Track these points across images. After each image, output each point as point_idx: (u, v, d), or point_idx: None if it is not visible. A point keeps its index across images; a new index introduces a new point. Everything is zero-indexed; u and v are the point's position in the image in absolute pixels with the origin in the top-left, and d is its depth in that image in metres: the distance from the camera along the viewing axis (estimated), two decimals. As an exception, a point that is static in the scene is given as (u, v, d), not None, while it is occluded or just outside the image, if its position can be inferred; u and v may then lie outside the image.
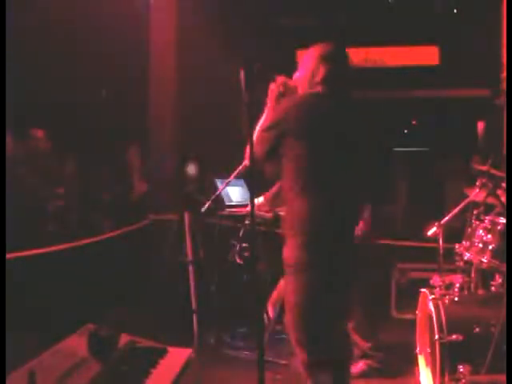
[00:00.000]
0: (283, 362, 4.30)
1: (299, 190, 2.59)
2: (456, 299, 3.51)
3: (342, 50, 2.84)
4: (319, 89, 2.71)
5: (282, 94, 2.82)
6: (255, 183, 2.59)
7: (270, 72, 2.82)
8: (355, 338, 4.15)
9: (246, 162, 2.65)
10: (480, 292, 3.64)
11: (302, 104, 2.67)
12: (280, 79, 2.83)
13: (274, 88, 2.82)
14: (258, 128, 2.71)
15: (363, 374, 4.13)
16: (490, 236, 3.49)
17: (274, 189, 4.28)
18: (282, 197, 2.82)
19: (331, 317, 2.65)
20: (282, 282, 5.04)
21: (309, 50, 2.82)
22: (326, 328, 2.64)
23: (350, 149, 2.69)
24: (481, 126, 8.22)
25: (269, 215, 4.40)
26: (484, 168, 3.73)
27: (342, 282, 2.65)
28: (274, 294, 5.16)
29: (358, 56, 8.70)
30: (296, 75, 2.83)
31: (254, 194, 2.51)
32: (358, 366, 4.14)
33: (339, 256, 2.61)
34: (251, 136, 2.45)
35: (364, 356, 4.17)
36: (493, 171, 3.70)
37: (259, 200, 4.43)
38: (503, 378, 2.74)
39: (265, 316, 4.84)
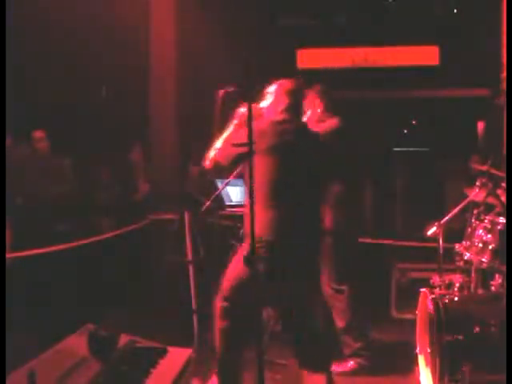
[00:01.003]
0: (283, 362, 4.30)
1: (261, 200, 3.08)
2: (456, 299, 3.51)
3: (301, 86, 3.44)
4: (282, 116, 3.30)
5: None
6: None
7: (241, 95, 3.22)
8: (345, 338, 4.16)
9: (206, 163, 3.33)
10: (480, 292, 3.64)
11: (269, 128, 3.25)
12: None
13: (243, 111, 3.30)
14: (222, 139, 3.33)
15: (354, 373, 4.13)
16: (490, 236, 3.49)
17: None
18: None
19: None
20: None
21: (275, 86, 3.39)
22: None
23: (307, 165, 3.24)
24: (481, 126, 8.23)
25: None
26: (484, 168, 3.73)
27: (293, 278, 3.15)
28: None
29: (358, 56, 8.70)
30: (264, 104, 3.39)
31: (253, 194, 2.53)
32: (348, 365, 4.15)
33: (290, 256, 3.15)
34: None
35: (354, 355, 4.16)
36: (493, 171, 3.70)
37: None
38: (503, 377, 2.74)
39: (264, 315, 4.85)
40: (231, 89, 3.40)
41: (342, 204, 4.18)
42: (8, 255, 4.22)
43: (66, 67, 6.81)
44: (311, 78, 4.45)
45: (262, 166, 3.10)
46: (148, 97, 7.05)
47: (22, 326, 3.85)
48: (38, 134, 5.89)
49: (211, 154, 3.32)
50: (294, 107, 3.34)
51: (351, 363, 4.16)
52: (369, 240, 5.60)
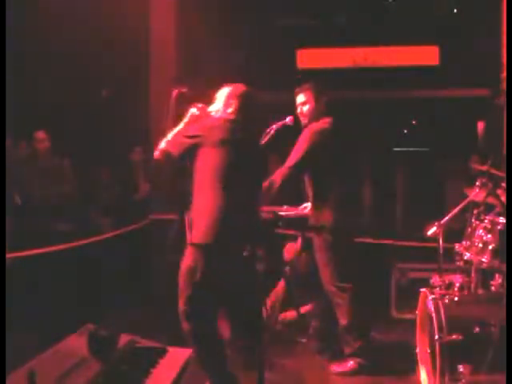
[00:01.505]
0: (283, 362, 4.30)
1: (208, 188, 3.43)
2: (456, 299, 3.51)
3: (250, 91, 3.71)
4: (231, 116, 3.61)
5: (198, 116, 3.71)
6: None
7: (193, 94, 3.76)
8: (346, 337, 4.14)
9: (156, 153, 3.58)
10: (480, 292, 3.63)
11: (219, 123, 3.58)
12: (200, 105, 3.72)
13: (194, 111, 3.69)
14: (174, 132, 3.60)
15: (354, 373, 4.11)
16: (490, 236, 3.49)
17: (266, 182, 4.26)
18: (273, 188, 4.06)
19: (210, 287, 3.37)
20: (281, 281, 5.06)
21: (226, 89, 3.70)
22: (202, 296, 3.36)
23: (249, 158, 3.57)
24: (481, 126, 8.23)
25: (269, 215, 4.40)
26: (484, 168, 3.73)
27: (233, 262, 3.41)
28: (274, 291, 5.19)
29: (358, 56, 8.70)
30: (213, 107, 3.69)
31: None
32: (348, 365, 4.13)
33: (233, 241, 3.42)
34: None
35: (354, 354, 4.13)
36: (493, 171, 3.70)
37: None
38: (503, 377, 2.74)
39: (263, 310, 4.85)
40: (184, 89, 3.77)
41: (342, 203, 4.18)
42: (8, 255, 4.22)
43: (66, 67, 6.81)
44: (311, 78, 4.45)
45: (210, 158, 3.44)
46: (148, 96, 7.04)
47: (21, 326, 3.85)
48: (40, 134, 5.89)
49: (162, 145, 3.56)
50: (243, 111, 3.63)
51: (351, 363, 4.13)
52: (369, 240, 5.60)
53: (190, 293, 3.36)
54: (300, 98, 4.33)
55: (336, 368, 4.17)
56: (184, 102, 3.72)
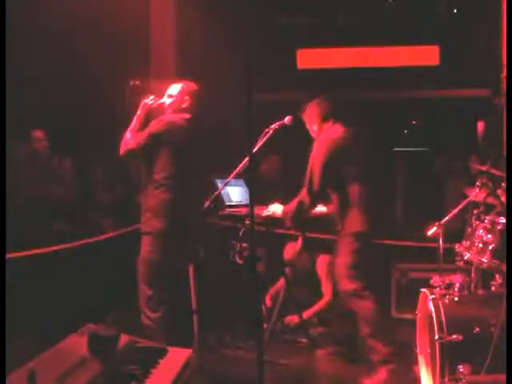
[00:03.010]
0: (283, 361, 4.31)
1: (163, 182, 3.83)
2: (456, 299, 3.50)
3: (199, 90, 4.04)
4: (184, 113, 3.95)
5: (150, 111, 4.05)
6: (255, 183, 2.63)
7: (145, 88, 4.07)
8: (373, 343, 3.96)
9: (121, 151, 3.89)
10: (480, 292, 3.63)
11: (174, 122, 3.90)
12: (152, 99, 4.04)
13: (146, 104, 4.01)
14: (132, 127, 3.95)
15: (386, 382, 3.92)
16: (490, 236, 3.48)
17: (294, 203, 4.17)
18: (303, 212, 4.17)
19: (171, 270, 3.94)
20: (281, 281, 5.06)
21: (179, 85, 4.03)
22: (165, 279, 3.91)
23: (198, 155, 3.96)
24: (481, 125, 8.23)
25: (269, 215, 4.40)
26: (484, 168, 3.72)
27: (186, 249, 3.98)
28: (274, 287, 5.19)
29: (358, 56, 8.70)
30: (166, 101, 4.03)
31: (253, 194, 2.53)
32: (378, 375, 3.92)
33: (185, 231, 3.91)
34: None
35: (383, 362, 3.94)
36: (493, 171, 3.70)
37: (277, 208, 4.34)
38: (503, 377, 2.74)
39: (263, 307, 4.85)
40: (137, 82, 4.09)
41: (369, 206, 4.08)
42: (8, 255, 4.21)
43: (66, 67, 6.80)
44: (311, 78, 4.45)
45: (165, 155, 3.81)
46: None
47: (22, 326, 3.85)
48: (38, 133, 5.89)
49: (124, 143, 3.89)
50: (194, 107, 3.96)
51: (382, 372, 3.93)
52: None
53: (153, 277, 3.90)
54: (307, 117, 4.32)
55: (367, 382, 3.94)
56: (139, 95, 4.03)
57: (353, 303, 4.02)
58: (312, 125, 4.29)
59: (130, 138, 3.90)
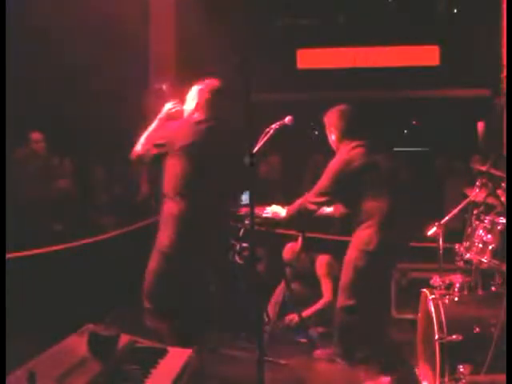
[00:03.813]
0: (283, 361, 4.30)
1: (173, 194, 3.48)
2: (456, 299, 3.51)
3: (220, 87, 3.64)
4: (198, 117, 3.57)
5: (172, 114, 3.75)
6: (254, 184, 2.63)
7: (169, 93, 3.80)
8: (374, 352, 3.94)
9: (132, 156, 3.68)
10: (480, 292, 3.63)
11: (183, 130, 3.55)
12: (175, 103, 3.74)
13: (169, 107, 3.70)
14: (146, 135, 3.65)
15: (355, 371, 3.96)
16: (490, 236, 3.48)
17: (296, 205, 4.12)
18: (304, 214, 4.01)
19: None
20: (282, 283, 5.05)
21: (196, 87, 3.67)
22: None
23: (216, 161, 3.48)
24: (481, 126, 8.23)
25: (268, 217, 4.39)
26: (484, 168, 3.72)
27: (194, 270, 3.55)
28: (275, 295, 5.16)
29: (359, 56, 8.71)
30: (186, 105, 3.69)
31: (253, 195, 2.53)
32: (383, 381, 3.87)
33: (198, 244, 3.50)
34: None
35: (387, 369, 3.88)
36: (493, 171, 3.69)
37: (279, 210, 4.27)
38: (503, 377, 2.74)
39: (265, 316, 4.84)
40: (163, 86, 3.86)
41: (389, 222, 3.92)
42: (8, 255, 4.21)
43: (66, 67, 6.81)
44: (311, 78, 4.45)
45: (172, 165, 3.48)
46: (148, 96, 7.04)
47: (22, 326, 3.85)
48: (36, 135, 5.90)
49: (137, 147, 3.65)
50: (212, 109, 3.56)
51: (387, 379, 3.88)
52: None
53: (157, 292, 3.56)
54: (326, 123, 4.21)
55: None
56: (163, 99, 3.80)
57: (346, 318, 3.98)
58: (331, 134, 4.18)
59: (144, 143, 3.65)
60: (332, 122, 4.17)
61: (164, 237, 3.54)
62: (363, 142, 4.07)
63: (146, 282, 3.62)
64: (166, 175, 3.55)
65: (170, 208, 3.51)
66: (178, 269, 3.51)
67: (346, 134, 4.11)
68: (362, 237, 3.93)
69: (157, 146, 3.55)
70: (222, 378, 4.06)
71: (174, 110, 3.73)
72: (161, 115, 3.72)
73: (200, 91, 3.64)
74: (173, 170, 3.50)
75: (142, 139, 3.65)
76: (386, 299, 5.33)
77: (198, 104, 3.62)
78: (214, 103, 3.60)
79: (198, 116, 3.60)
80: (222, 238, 3.81)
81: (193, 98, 3.67)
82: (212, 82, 3.66)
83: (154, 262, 3.58)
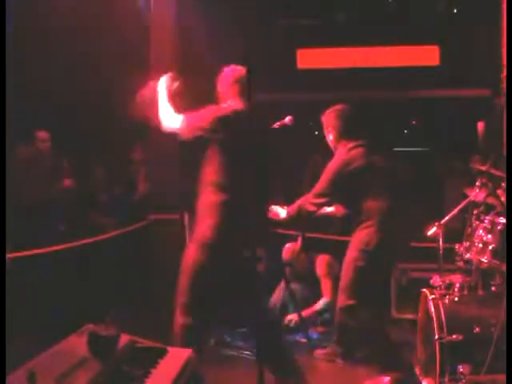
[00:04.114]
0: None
1: (214, 184, 3.33)
2: (456, 299, 3.51)
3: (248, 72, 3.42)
4: (234, 104, 3.43)
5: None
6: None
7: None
8: (374, 352, 3.93)
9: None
10: (480, 292, 3.63)
11: (220, 118, 3.37)
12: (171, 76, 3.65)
13: (168, 83, 3.61)
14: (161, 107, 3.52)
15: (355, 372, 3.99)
16: (490, 236, 3.48)
17: (296, 206, 4.10)
18: (303, 214, 3.98)
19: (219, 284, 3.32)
20: (282, 283, 5.05)
21: (225, 73, 3.56)
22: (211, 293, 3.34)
23: (253, 151, 3.24)
24: (481, 126, 8.23)
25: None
26: (484, 168, 3.72)
27: (236, 259, 3.32)
28: (274, 295, 5.17)
29: (358, 56, 8.71)
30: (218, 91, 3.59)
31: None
32: (384, 381, 3.85)
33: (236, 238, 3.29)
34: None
35: (387, 369, 3.85)
36: (493, 171, 3.69)
37: (279, 210, 4.22)
38: (503, 377, 2.74)
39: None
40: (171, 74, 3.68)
41: (389, 222, 3.92)
42: (8, 255, 4.22)
43: (66, 67, 6.81)
44: (311, 78, 4.45)
45: (213, 155, 3.33)
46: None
47: (22, 326, 3.85)
48: (42, 134, 5.89)
49: (181, 127, 3.45)
50: (244, 94, 3.38)
51: (387, 379, 3.86)
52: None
53: (190, 288, 3.34)
54: (324, 123, 4.23)
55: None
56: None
57: (346, 319, 3.98)
58: (328, 134, 4.20)
59: (187, 125, 3.44)
60: (330, 122, 4.18)
61: (204, 228, 3.34)
62: (362, 142, 4.08)
63: (184, 274, 3.38)
64: (207, 165, 3.38)
65: (211, 199, 3.34)
66: (222, 259, 3.33)
67: (344, 134, 4.12)
68: (362, 237, 3.94)
69: (201, 129, 3.39)
70: (222, 378, 4.06)
71: (175, 86, 3.63)
72: (161, 92, 3.60)
73: (234, 77, 3.51)
74: (213, 160, 3.35)
75: (182, 122, 3.45)
76: (386, 299, 5.34)
77: (231, 91, 3.50)
78: (248, 90, 3.38)
79: (235, 104, 3.47)
80: (262, 229, 3.66)
81: (225, 84, 3.55)
82: (242, 69, 3.47)
83: (193, 254, 3.37)
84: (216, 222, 3.30)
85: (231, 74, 3.54)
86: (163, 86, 3.61)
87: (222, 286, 3.36)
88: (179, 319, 3.37)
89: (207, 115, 3.40)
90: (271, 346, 3.34)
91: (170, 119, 3.51)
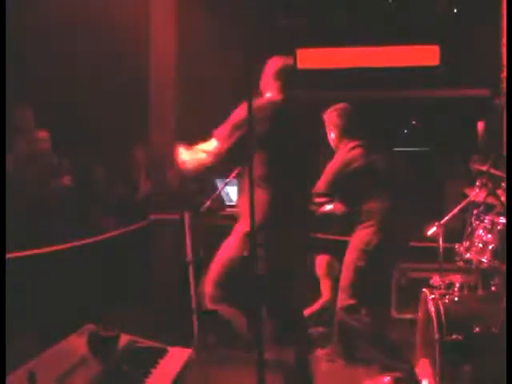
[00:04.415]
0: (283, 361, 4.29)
1: (259, 180, 3.12)
2: (456, 299, 3.51)
3: (294, 63, 3.49)
4: (276, 96, 3.29)
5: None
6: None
7: None
8: (373, 352, 3.95)
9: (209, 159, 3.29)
10: (480, 292, 3.64)
11: (264, 112, 3.17)
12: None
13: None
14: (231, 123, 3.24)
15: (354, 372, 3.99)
16: (490, 236, 3.49)
17: None
18: None
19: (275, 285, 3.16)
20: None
21: (268, 64, 3.38)
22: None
23: (296, 142, 3.23)
24: (481, 125, 8.23)
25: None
26: (484, 168, 3.73)
27: (288, 257, 3.21)
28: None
29: (358, 56, 8.70)
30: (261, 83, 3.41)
31: (254, 195, 2.52)
32: (384, 380, 3.88)
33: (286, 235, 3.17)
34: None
35: (387, 369, 3.88)
36: (493, 171, 3.70)
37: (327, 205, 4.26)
38: (503, 378, 2.74)
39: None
40: None
41: (389, 219, 3.95)
42: (8, 255, 4.22)
43: (66, 67, 6.81)
44: (311, 78, 4.44)
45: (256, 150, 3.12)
46: (149, 96, 7.04)
47: (22, 326, 3.85)
48: (42, 134, 5.88)
49: (210, 147, 3.30)
50: (286, 86, 3.30)
51: (387, 379, 3.89)
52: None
53: (226, 280, 3.25)
54: (326, 121, 4.22)
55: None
56: None
57: (347, 318, 3.98)
58: (330, 132, 4.23)
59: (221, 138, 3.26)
60: (332, 121, 4.20)
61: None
62: (362, 141, 4.09)
63: (224, 268, 3.27)
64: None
65: (258, 195, 2.98)
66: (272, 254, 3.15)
67: (346, 133, 4.14)
68: (362, 237, 3.94)
69: (237, 126, 3.17)
70: (222, 378, 4.06)
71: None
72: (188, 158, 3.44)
73: (275, 69, 3.37)
74: (257, 156, 3.12)
75: (218, 144, 3.26)
76: (386, 299, 5.34)
77: (274, 83, 3.35)
78: (291, 82, 3.36)
79: (275, 96, 3.34)
80: (309, 224, 3.53)
81: (268, 75, 3.38)
82: (286, 60, 3.43)
83: (235, 249, 3.25)
84: (263, 218, 3.07)
85: (273, 65, 3.40)
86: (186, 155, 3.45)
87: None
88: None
89: (241, 112, 3.16)
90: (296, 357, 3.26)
91: (208, 156, 3.33)
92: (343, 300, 3.98)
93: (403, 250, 4.29)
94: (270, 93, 3.38)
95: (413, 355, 3.85)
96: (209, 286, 3.33)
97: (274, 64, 3.40)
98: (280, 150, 3.18)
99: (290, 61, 3.45)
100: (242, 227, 3.21)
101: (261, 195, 3.14)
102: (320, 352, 4.43)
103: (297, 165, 3.24)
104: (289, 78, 3.37)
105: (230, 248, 3.28)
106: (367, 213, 3.95)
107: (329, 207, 4.31)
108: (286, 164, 3.20)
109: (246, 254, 3.20)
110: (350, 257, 4.00)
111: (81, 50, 6.77)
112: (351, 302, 3.93)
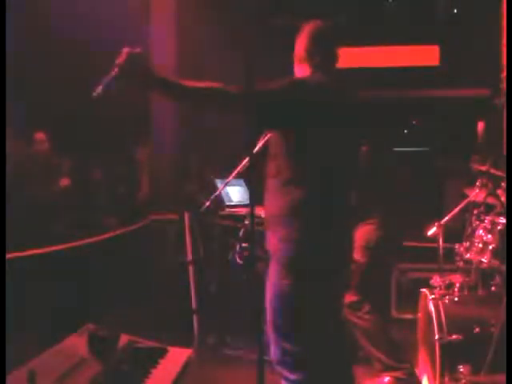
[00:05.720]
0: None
1: (298, 179, 2.60)
2: (456, 299, 3.51)
3: (324, 26, 2.89)
4: (318, 78, 2.71)
5: None
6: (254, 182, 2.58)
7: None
8: (374, 353, 3.91)
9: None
10: (480, 292, 3.63)
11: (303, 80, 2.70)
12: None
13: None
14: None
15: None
16: (490, 236, 3.48)
17: None
18: None
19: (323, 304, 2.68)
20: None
21: (303, 32, 2.87)
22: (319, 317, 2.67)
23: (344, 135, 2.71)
24: (481, 125, 8.23)
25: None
26: (484, 168, 3.72)
27: (335, 269, 2.70)
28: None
29: (359, 56, 8.70)
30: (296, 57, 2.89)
31: (253, 195, 2.51)
32: (384, 380, 3.89)
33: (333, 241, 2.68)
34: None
35: (387, 369, 3.87)
36: (493, 171, 3.70)
37: None
38: (503, 378, 2.74)
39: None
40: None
41: (388, 219, 3.98)
42: (8, 255, 4.21)
43: (66, 67, 6.81)
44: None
45: (295, 147, 2.58)
46: (149, 96, 7.04)
47: (22, 326, 3.85)
48: (39, 136, 5.89)
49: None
50: (323, 58, 2.71)
51: (388, 379, 3.88)
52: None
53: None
54: None
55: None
56: None
57: (349, 315, 3.97)
58: None
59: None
60: None
61: (290, 230, 2.62)
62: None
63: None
64: (289, 160, 2.58)
65: (296, 195, 2.57)
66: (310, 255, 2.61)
67: None
68: (363, 234, 3.95)
69: (271, 94, 2.68)
70: (222, 378, 4.06)
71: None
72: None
73: (305, 35, 2.79)
74: (295, 154, 2.58)
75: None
76: (386, 297, 5.35)
77: (315, 58, 2.74)
78: (336, 56, 2.75)
79: (316, 77, 2.70)
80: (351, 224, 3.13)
81: (308, 48, 2.78)
82: (314, 24, 2.86)
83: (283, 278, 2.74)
84: (302, 219, 2.59)
85: (311, 30, 2.83)
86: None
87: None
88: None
89: (280, 81, 2.66)
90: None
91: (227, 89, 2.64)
92: (346, 297, 3.99)
93: (402, 248, 4.30)
94: (311, 69, 2.78)
95: (413, 355, 3.85)
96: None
97: (312, 28, 2.84)
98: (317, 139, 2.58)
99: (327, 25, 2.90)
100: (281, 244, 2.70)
101: (300, 194, 2.58)
102: None
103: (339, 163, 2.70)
104: (324, 42, 2.81)
105: (277, 283, 2.71)
106: (368, 211, 3.96)
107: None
108: (330, 161, 2.62)
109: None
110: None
111: (81, 50, 6.77)
112: (352, 298, 3.94)
